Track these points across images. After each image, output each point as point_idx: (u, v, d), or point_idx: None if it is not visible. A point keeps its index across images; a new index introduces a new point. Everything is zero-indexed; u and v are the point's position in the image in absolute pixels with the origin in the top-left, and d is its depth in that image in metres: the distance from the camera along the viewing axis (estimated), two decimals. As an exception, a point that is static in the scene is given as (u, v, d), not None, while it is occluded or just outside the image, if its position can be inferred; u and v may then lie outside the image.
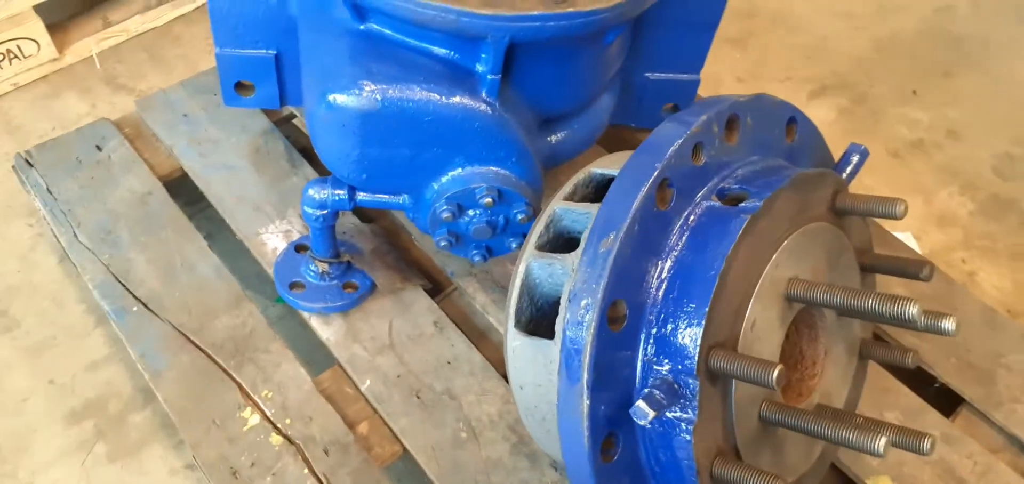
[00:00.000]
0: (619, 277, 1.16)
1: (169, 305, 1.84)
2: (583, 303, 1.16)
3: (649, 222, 1.19)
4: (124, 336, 1.80)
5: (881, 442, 1.11)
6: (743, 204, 1.21)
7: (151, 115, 2.21)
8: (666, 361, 1.17)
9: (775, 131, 1.37)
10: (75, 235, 1.96)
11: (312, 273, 1.84)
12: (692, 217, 1.23)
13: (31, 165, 2.10)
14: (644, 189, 1.18)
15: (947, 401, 1.69)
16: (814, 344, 1.37)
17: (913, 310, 1.12)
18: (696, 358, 1.13)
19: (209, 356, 1.76)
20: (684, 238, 1.21)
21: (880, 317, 1.15)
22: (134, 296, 1.85)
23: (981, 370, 1.69)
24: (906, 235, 2.15)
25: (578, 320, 1.16)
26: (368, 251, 1.92)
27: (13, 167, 2.13)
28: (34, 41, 2.57)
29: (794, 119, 1.40)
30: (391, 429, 1.67)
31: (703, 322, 1.14)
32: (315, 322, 1.83)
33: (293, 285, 1.85)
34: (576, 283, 1.18)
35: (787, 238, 1.24)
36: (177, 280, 1.88)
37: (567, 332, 1.17)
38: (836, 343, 1.38)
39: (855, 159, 1.44)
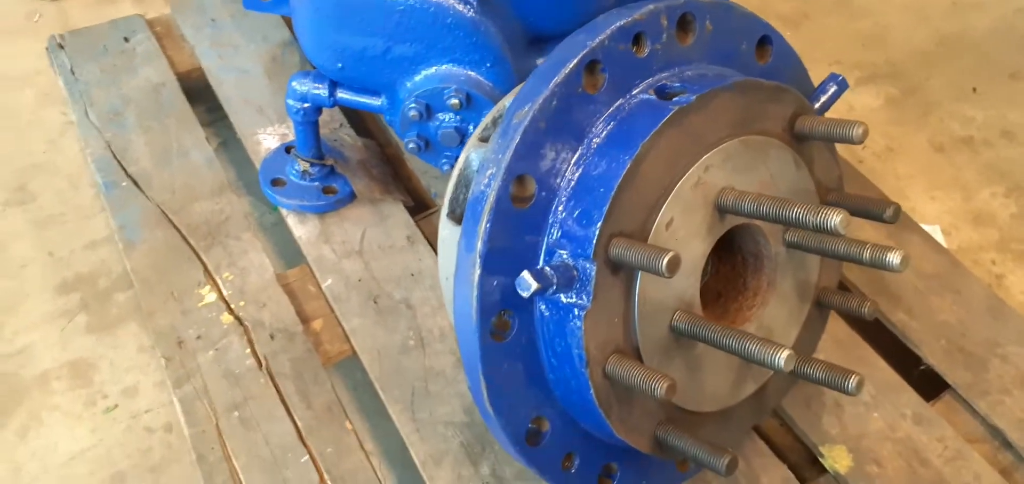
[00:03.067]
0: (529, 151, 1.10)
1: (156, 184, 1.87)
2: (488, 172, 1.10)
3: (573, 102, 1.13)
4: (109, 207, 1.83)
5: (782, 356, 1.02)
6: (676, 98, 1.13)
7: (182, 16, 2.26)
8: (568, 245, 1.10)
9: (742, 45, 1.28)
10: (86, 113, 2.02)
11: (295, 172, 1.84)
12: (625, 108, 1.16)
13: (62, 48, 2.18)
14: (569, 66, 1.11)
15: (933, 386, 1.54)
16: (758, 275, 1.27)
17: (836, 219, 1.02)
18: (594, 241, 1.06)
19: (182, 235, 1.77)
20: (610, 127, 1.14)
21: (804, 224, 1.06)
22: (126, 172, 1.89)
23: (973, 357, 1.54)
24: (934, 228, 1.99)
25: (481, 189, 1.10)
26: (355, 161, 1.91)
27: (46, 48, 2.21)
28: (97, -53, 2.68)
29: (768, 38, 1.31)
30: (343, 329, 1.64)
31: (606, 206, 1.06)
32: (292, 220, 1.82)
33: (275, 182, 1.85)
34: (485, 153, 1.13)
35: (724, 143, 1.15)
36: (169, 163, 1.92)
37: (470, 201, 1.12)
38: (784, 279, 1.27)
39: (832, 89, 1.33)
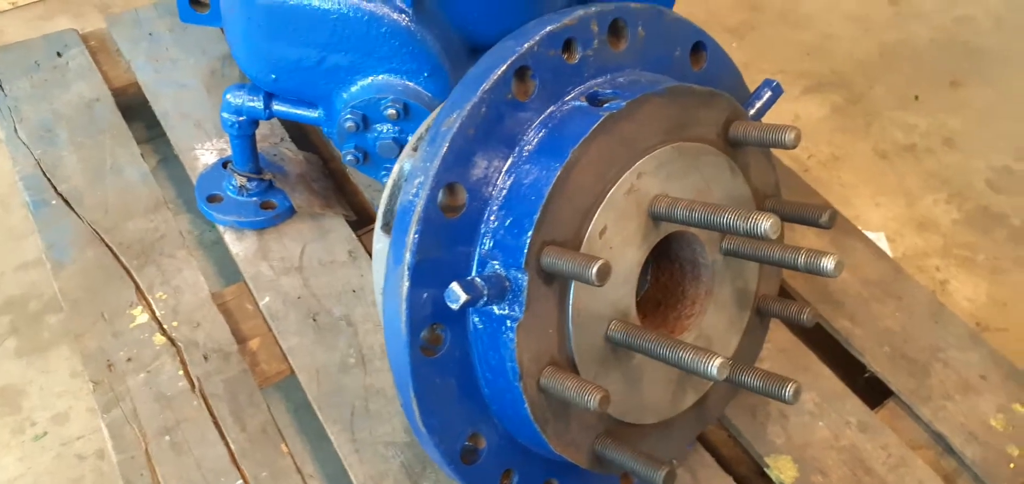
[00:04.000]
0: (458, 160, 1.07)
1: (89, 203, 1.81)
2: (416, 182, 1.07)
3: (503, 109, 1.10)
4: (37, 226, 1.77)
5: (715, 364, 1.00)
6: (607, 104, 1.11)
7: (118, 30, 2.20)
8: (500, 255, 1.07)
9: (676, 52, 1.27)
10: (15, 129, 1.96)
11: (231, 187, 1.80)
12: (557, 115, 1.14)
13: (-9, 64, 2.11)
14: (497, 72, 1.09)
15: (877, 393, 1.54)
16: (696, 283, 1.25)
17: (766, 224, 1.00)
18: (525, 251, 1.04)
19: (114, 253, 1.71)
20: (541, 134, 1.12)
21: (735, 230, 1.04)
22: (56, 189, 1.83)
23: (916, 363, 1.54)
24: (878, 235, 2.00)
25: (409, 199, 1.07)
26: (295, 175, 1.87)
27: (-24, 65, 2.14)
28: (32, -38, 2.61)
29: (702, 45, 1.30)
30: (281, 348, 1.59)
31: (537, 214, 1.04)
32: (229, 237, 1.77)
33: (211, 198, 1.80)
34: (413, 162, 1.10)
35: (657, 149, 1.13)
36: (102, 181, 1.86)
37: (399, 211, 1.08)
38: (722, 287, 1.26)
39: (767, 95, 1.32)
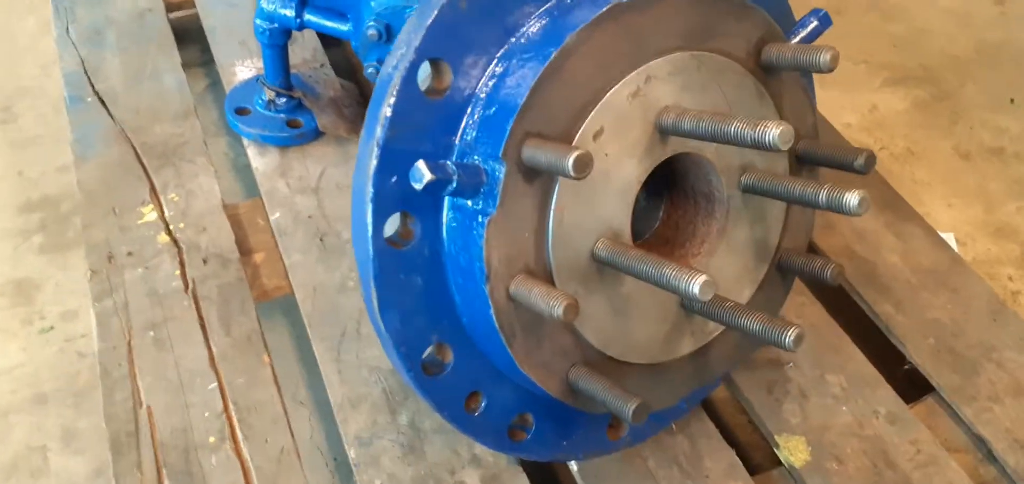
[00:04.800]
0: (447, 35, 0.98)
1: (122, 104, 1.80)
2: (399, 54, 0.99)
3: (503, -9, 1.01)
4: (70, 120, 1.77)
5: (698, 281, 0.88)
6: (619, -2, 1.00)
7: (178, -53, 2.21)
8: (480, 146, 0.97)
9: (714, -33, 1.15)
10: (67, 30, 1.97)
11: (261, 101, 1.76)
12: (565, 3, 1.03)
13: (57, -32, 2.14)
14: (499, -51, 1.00)
15: (917, 389, 1.37)
16: (709, 220, 1.13)
17: (775, 132, 0.88)
18: (504, 139, 0.94)
19: (136, 153, 1.69)
20: (544, 22, 1.02)
21: (743, 141, 0.92)
22: (93, 88, 1.82)
23: (964, 359, 1.36)
24: (948, 236, 1.82)
25: (390, 70, 0.99)
26: (327, 98, 1.81)
27: (44, -30, 2.18)
28: None
29: (746, -36, 1.17)
30: (284, 264, 1.54)
31: (521, 101, 0.94)
32: (252, 151, 1.73)
33: (240, 110, 1.77)
34: (400, 35, 1.01)
35: (673, 54, 1.02)
36: (139, 85, 1.84)
37: (377, 84, 1.00)
38: (738, 228, 1.13)
39: (812, 24, 1.20)
